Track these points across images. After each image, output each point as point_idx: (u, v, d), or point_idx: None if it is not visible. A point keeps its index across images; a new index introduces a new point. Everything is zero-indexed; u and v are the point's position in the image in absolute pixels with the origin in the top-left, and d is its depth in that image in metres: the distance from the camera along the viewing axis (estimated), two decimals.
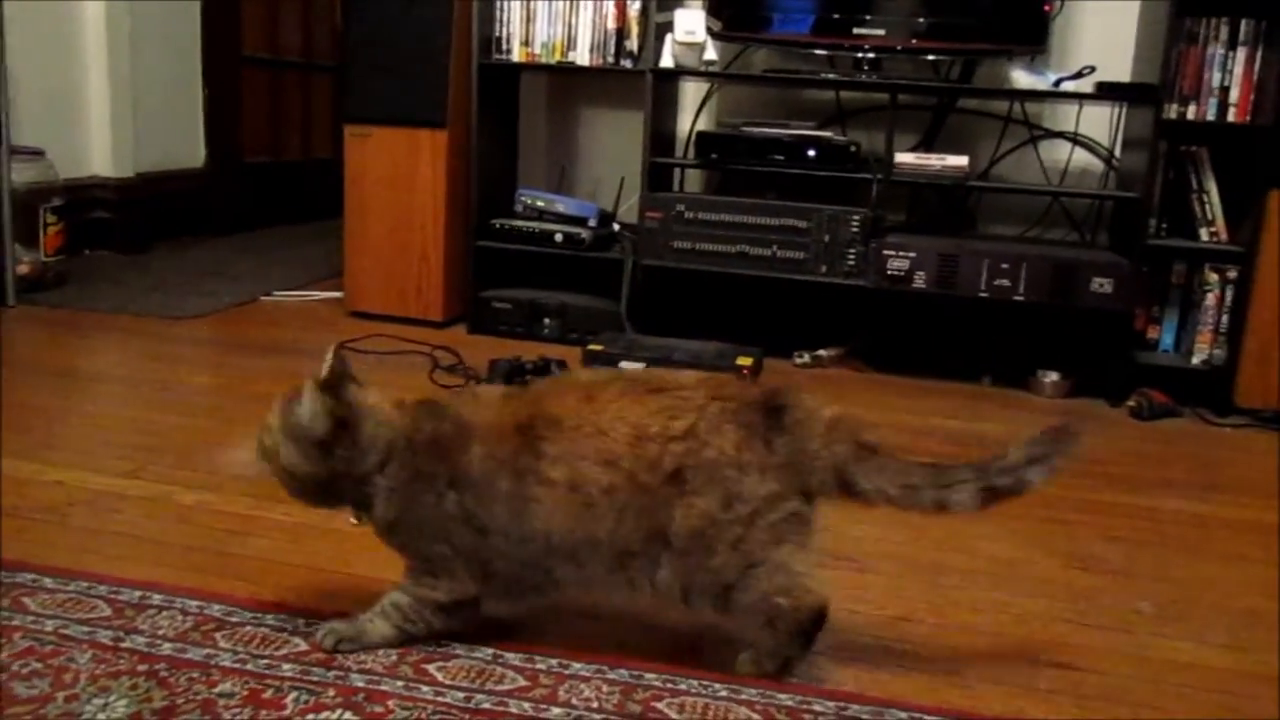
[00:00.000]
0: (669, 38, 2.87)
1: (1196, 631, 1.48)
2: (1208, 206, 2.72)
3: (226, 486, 1.78)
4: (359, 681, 1.20)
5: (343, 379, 1.22)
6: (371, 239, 3.11)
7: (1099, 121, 2.99)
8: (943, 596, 1.54)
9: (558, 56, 3.00)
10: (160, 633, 1.28)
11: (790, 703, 1.21)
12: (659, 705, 1.19)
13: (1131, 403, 2.61)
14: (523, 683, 1.21)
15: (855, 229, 2.76)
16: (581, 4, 2.96)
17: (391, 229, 3.08)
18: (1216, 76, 2.65)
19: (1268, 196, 2.56)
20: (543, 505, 1.19)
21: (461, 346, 2.79)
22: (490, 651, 1.27)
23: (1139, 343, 2.81)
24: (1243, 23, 2.62)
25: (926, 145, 3.05)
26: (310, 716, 1.14)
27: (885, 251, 2.72)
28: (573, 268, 3.04)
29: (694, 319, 2.86)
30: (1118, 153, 2.98)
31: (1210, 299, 2.70)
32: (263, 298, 3.34)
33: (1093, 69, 2.73)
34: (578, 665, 1.26)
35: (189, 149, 4.30)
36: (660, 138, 3.02)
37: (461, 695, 1.19)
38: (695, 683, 1.23)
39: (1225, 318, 2.68)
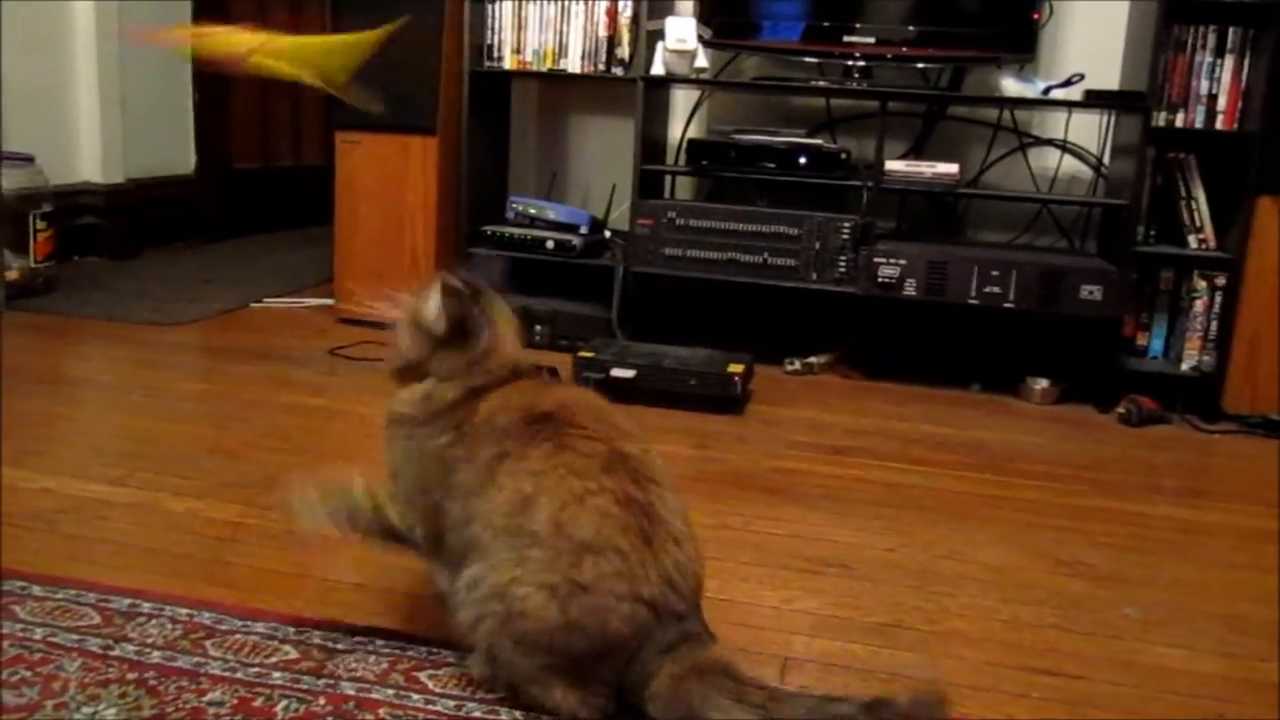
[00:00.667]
0: (660, 45, 2.88)
1: (1185, 637, 1.48)
2: (1196, 213, 2.73)
3: (215, 494, 1.78)
4: (349, 689, 1.20)
5: (474, 294, 1.25)
6: (362, 246, 3.10)
7: (1088, 129, 3.00)
8: (932, 603, 1.55)
9: (549, 64, 3.00)
10: (149, 641, 1.27)
11: None
12: None
13: (1120, 409, 2.62)
14: (504, 691, 1.21)
15: (845, 236, 2.76)
16: (573, 11, 2.97)
17: (382, 235, 3.08)
18: (1204, 84, 2.66)
19: (1255, 203, 2.57)
20: (501, 495, 1.15)
21: None
22: None
23: (1128, 349, 2.82)
24: (1230, 30, 2.64)
25: (916, 152, 3.06)
26: None
27: (875, 259, 2.73)
28: (564, 274, 3.04)
29: (685, 326, 2.86)
30: (1106, 160, 3.00)
31: (1199, 305, 2.71)
32: (253, 304, 3.33)
33: (1081, 77, 2.75)
34: None
35: (179, 155, 4.29)
36: (651, 145, 3.02)
37: (452, 704, 1.18)
38: None
39: (1214, 324, 2.70)
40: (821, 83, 2.98)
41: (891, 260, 2.72)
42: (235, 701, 1.16)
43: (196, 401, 2.41)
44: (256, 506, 1.72)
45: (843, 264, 2.77)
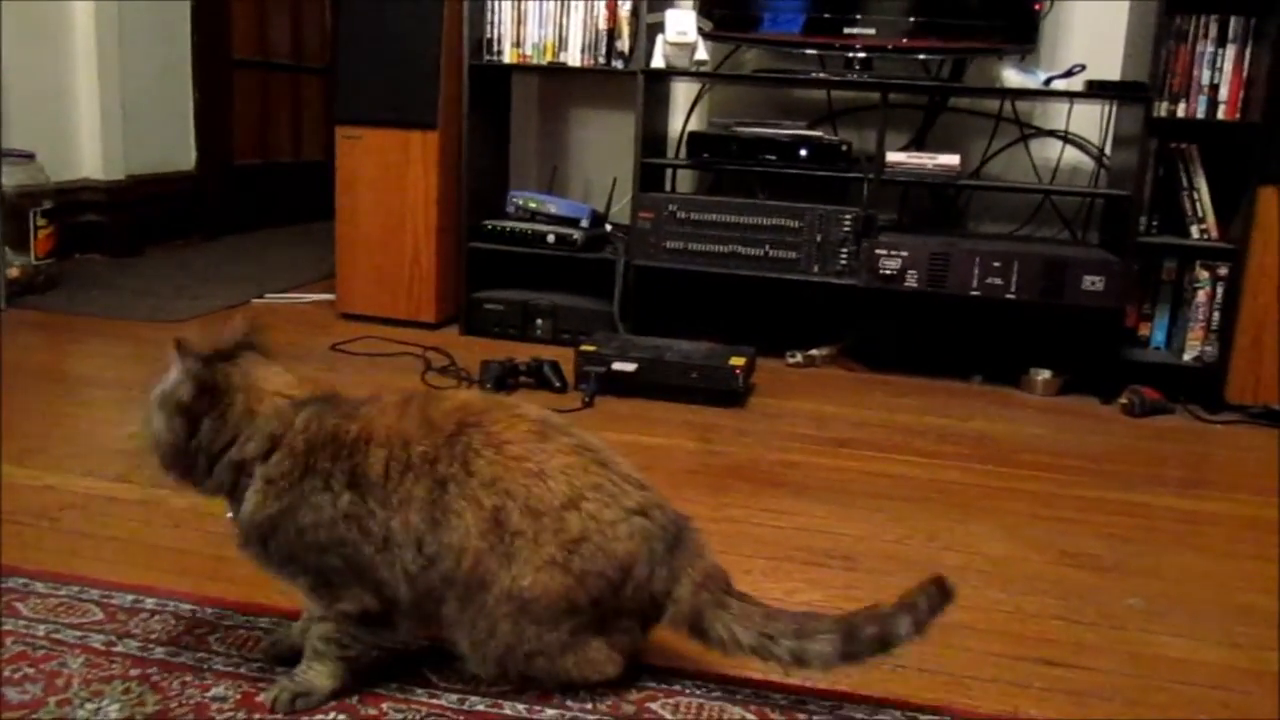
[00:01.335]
0: (660, 38, 2.87)
1: (1189, 627, 1.48)
2: (1198, 204, 2.72)
3: None
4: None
5: (230, 350, 1.15)
6: (363, 240, 3.10)
7: (1089, 120, 3.00)
8: None
9: (549, 57, 3.00)
10: (153, 637, 1.28)
11: (784, 702, 1.21)
12: (653, 706, 1.19)
13: (1123, 400, 2.62)
14: (506, 686, 1.21)
15: (847, 228, 2.76)
16: (572, 5, 2.96)
17: (383, 230, 3.08)
18: (1206, 74, 2.65)
19: (1258, 193, 2.57)
20: (463, 521, 1.11)
21: (453, 348, 2.79)
22: None
23: (1130, 340, 2.82)
24: (1232, 20, 2.63)
25: (918, 144, 3.05)
26: (304, 719, 1.13)
27: (877, 251, 2.73)
28: (565, 268, 3.04)
29: (687, 319, 2.86)
30: (1108, 151, 2.99)
31: (1201, 296, 2.71)
32: (254, 300, 3.33)
33: (1083, 67, 2.74)
34: None
35: (180, 151, 4.29)
36: (652, 138, 3.02)
37: (455, 698, 1.18)
38: (689, 682, 1.23)
39: (1216, 314, 2.69)
40: (822, 75, 2.97)
41: (893, 252, 2.72)
42: (239, 696, 1.16)
43: None
44: None
45: (844, 256, 2.77)
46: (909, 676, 1.29)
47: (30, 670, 1.19)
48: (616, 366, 2.48)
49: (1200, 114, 2.67)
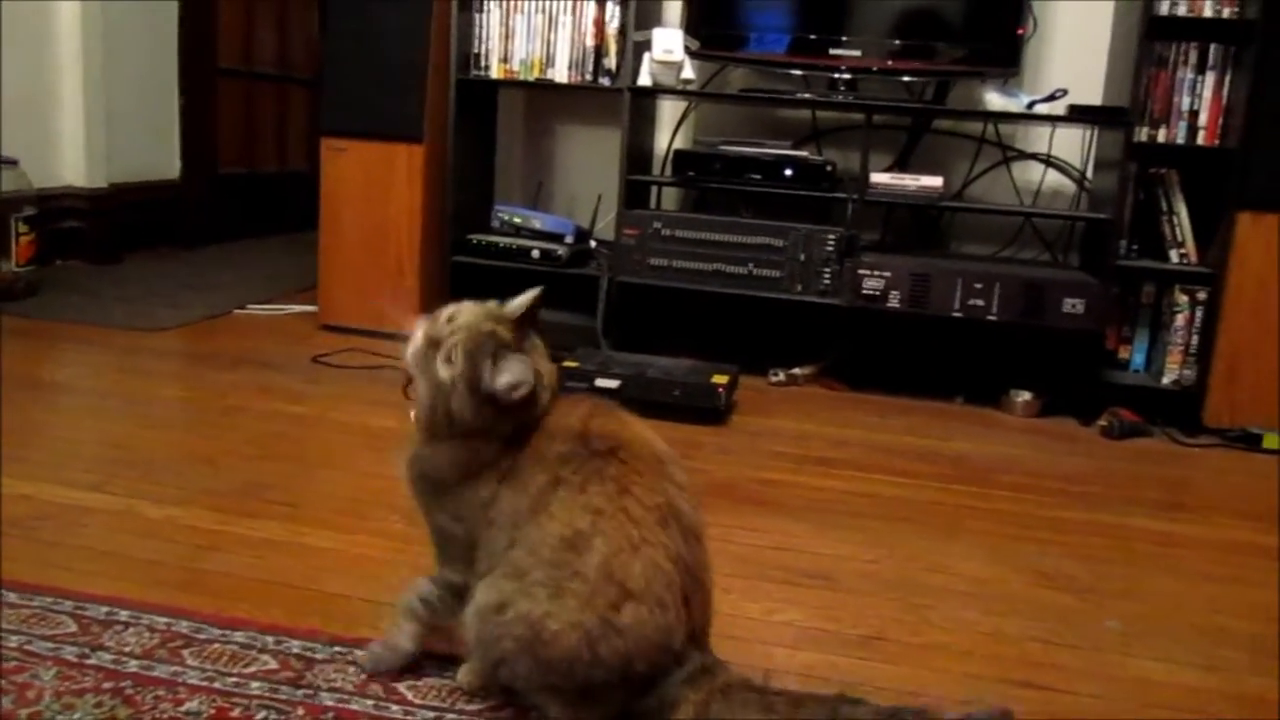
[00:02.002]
0: (647, 56, 2.88)
1: (1167, 650, 1.49)
2: (1177, 228, 2.75)
3: (194, 501, 1.76)
4: (328, 700, 1.19)
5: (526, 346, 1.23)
6: (346, 252, 3.09)
7: (1071, 143, 3.03)
8: (914, 615, 1.55)
9: (536, 73, 3.01)
10: (126, 649, 1.26)
11: None
12: None
13: (1102, 422, 2.64)
14: (493, 701, 1.21)
15: (830, 248, 2.77)
16: (560, 21, 2.97)
17: (367, 242, 3.07)
18: (1186, 100, 2.68)
19: (1236, 219, 2.59)
20: (553, 523, 1.11)
21: None
22: None
23: (1110, 362, 2.84)
24: (1212, 47, 2.66)
25: (901, 165, 3.07)
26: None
27: (860, 271, 2.74)
28: (549, 284, 3.01)
29: (670, 336, 2.86)
30: (1089, 174, 3.02)
31: (1180, 320, 2.73)
32: (236, 310, 3.31)
33: (1065, 92, 2.76)
34: None
35: (163, 160, 4.27)
36: (637, 155, 3.03)
37: (431, 715, 1.18)
38: None
39: (1194, 338, 2.71)
40: (807, 95, 2.99)
41: (876, 272, 2.73)
42: (213, 711, 1.15)
43: (177, 408, 2.40)
44: (234, 514, 1.71)
45: (827, 276, 2.78)
46: (887, 698, 1.29)
47: (1, 682, 1.17)
48: (599, 383, 2.48)
49: (1180, 139, 2.70)
